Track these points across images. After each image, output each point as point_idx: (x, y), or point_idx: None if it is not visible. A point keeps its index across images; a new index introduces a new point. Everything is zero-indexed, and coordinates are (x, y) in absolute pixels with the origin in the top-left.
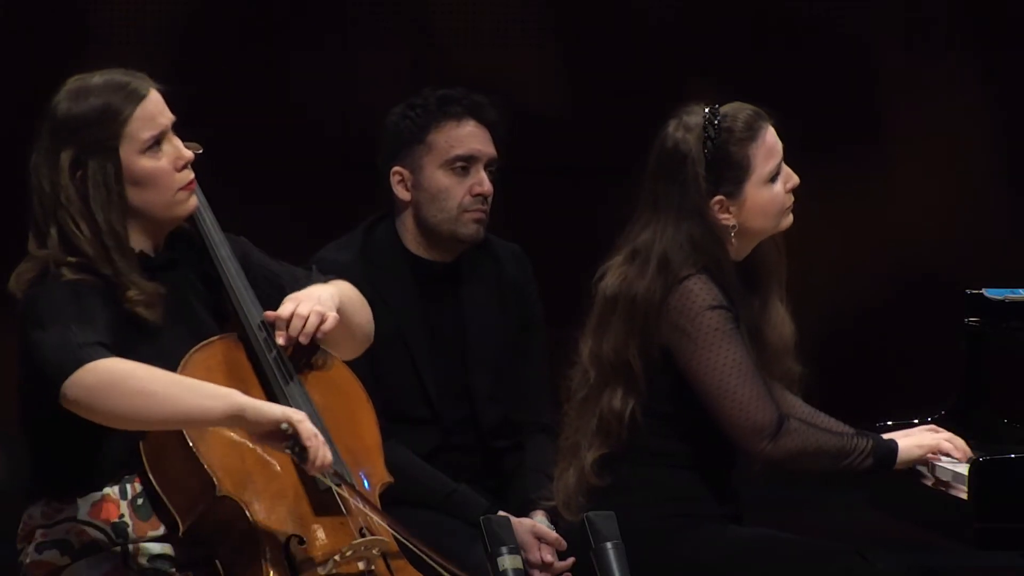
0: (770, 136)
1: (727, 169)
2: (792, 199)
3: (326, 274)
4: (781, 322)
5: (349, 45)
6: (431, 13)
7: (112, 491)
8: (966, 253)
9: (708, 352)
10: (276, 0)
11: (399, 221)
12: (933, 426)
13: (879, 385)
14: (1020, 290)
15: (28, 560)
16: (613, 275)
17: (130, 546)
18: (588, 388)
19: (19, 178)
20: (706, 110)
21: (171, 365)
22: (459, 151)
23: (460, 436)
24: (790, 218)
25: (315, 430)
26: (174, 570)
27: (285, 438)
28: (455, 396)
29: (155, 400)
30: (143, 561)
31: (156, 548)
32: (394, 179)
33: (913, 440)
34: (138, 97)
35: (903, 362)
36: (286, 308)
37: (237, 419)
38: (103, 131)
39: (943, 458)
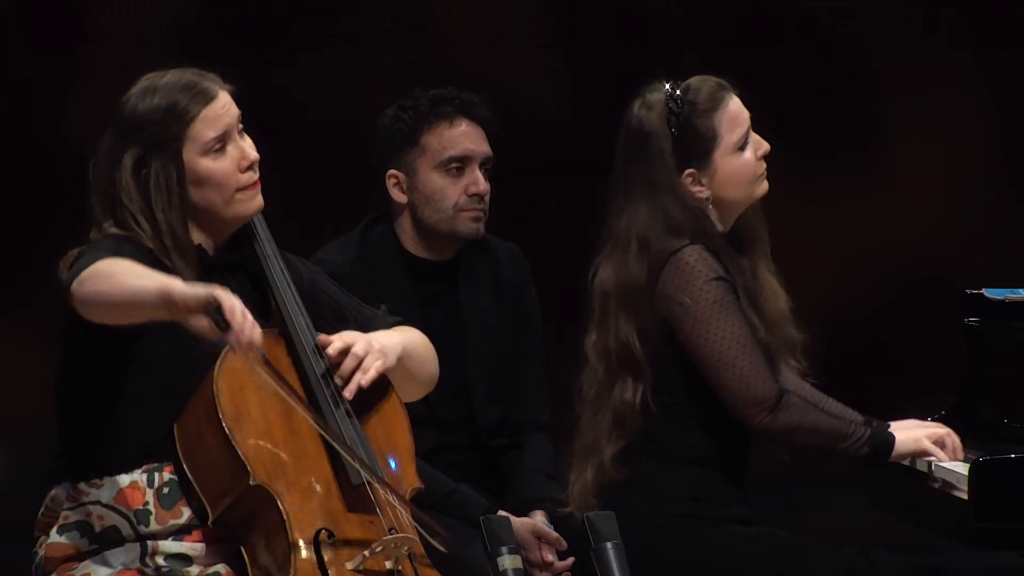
0: (734, 104)
1: (694, 142)
2: (764, 166)
3: (328, 275)
4: (773, 292)
5: (349, 45)
6: (431, 13)
7: (140, 478)
8: (966, 253)
9: (709, 324)
10: (276, 0)
11: (396, 222)
12: (937, 424)
13: (879, 385)
14: (1020, 290)
15: (46, 544)
16: (605, 269)
17: (148, 543)
18: (598, 385)
19: (17, 178)
20: (667, 86)
21: (211, 356)
22: (452, 152)
23: (458, 435)
24: (764, 185)
25: (242, 307)
26: (191, 569)
27: (210, 314)
28: (453, 396)
29: (108, 283)
30: (160, 559)
31: (174, 547)
32: (389, 182)
33: (911, 434)
34: (206, 98)
35: (903, 362)
36: (341, 341)
37: (167, 297)
38: (167, 131)
39: (944, 458)
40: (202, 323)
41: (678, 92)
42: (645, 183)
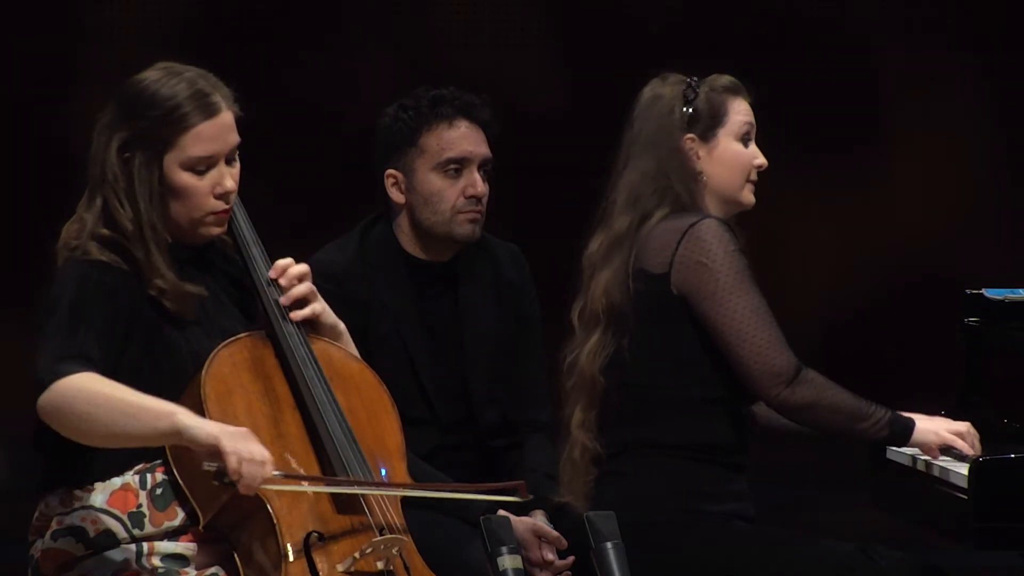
0: (745, 103)
1: (705, 112)
2: (755, 176)
3: (323, 275)
4: None
5: (349, 45)
6: (430, 13)
7: (132, 480)
8: (966, 253)
9: (730, 296)
10: (275, 0)
11: (395, 222)
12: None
13: (878, 385)
14: (1020, 290)
15: (41, 549)
16: (592, 239)
17: (143, 544)
18: (577, 349)
19: (15, 179)
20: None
21: (198, 357)
22: (451, 154)
23: (458, 436)
24: (752, 197)
25: (240, 455)
26: (187, 570)
27: (214, 469)
28: (453, 396)
29: (99, 424)
30: (156, 560)
31: (169, 547)
32: (388, 182)
33: (932, 425)
34: (209, 112)
35: (903, 362)
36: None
37: (176, 437)
38: (159, 131)
39: (941, 456)
40: (211, 466)
41: (695, 78)
42: (649, 137)
